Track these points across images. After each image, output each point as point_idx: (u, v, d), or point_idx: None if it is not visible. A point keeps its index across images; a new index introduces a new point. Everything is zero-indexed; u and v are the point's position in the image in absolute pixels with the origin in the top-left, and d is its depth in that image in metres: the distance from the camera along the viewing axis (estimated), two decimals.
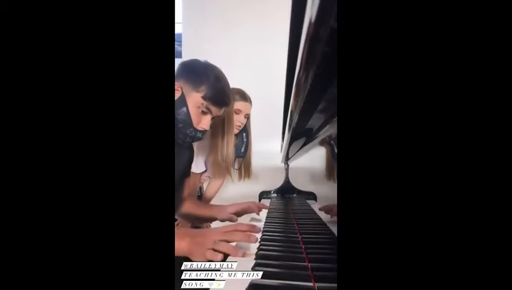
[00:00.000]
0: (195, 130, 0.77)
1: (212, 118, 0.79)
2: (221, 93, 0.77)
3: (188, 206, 0.94)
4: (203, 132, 0.79)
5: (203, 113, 0.76)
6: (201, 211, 0.94)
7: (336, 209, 0.60)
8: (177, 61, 0.79)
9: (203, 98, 0.74)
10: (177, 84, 0.76)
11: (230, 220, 0.85)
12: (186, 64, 0.80)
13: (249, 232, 0.51)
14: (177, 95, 0.75)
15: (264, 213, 0.86)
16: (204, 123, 0.77)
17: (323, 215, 0.77)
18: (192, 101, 0.75)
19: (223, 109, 0.81)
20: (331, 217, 0.72)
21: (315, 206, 0.97)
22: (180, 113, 0.75)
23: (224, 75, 0.80)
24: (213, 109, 0.77)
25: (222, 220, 0.86)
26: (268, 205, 0.94)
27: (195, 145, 1.17)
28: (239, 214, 0.87)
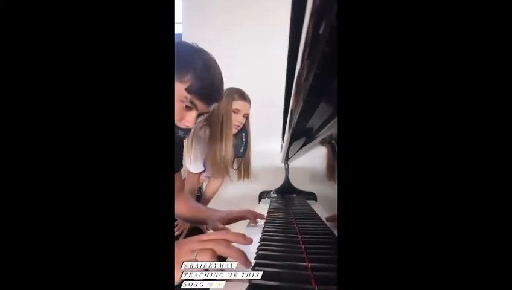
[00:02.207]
0: (177, 127, 0.63)
1: (199, 115, 0.65)
2: (209, 87, 0.62)
3: (177, 205, 0.83)
4: (187, 130, 0.65)
5: (187, 108, 0.62)
6: (192, 212, 0.84)
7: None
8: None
9: (187, 90, 0.60)
10: None
11: (216, 230, 0.72)
12: None
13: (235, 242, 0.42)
14: None
15: (263, 214, 0.86)
16: (188, 120, 0.63)
17: (324, 217, 0.77)
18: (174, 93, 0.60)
19: (213, 106, 0.66)
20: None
21: (315, 206, 0.97)
22: None
23: (216, 64, 0.65)
24: (199, 104, 0.62)
25: (211, 228, 0.76)
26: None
27: (194, 145, 1.18)
28: (231, 221, 0.78)
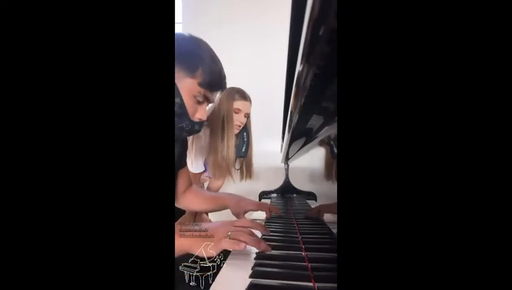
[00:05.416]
0: (192, 122, 0.64)
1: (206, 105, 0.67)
2: (218, 77, 0.63)
3: (189, 198, 0.89)
4: (201, 123, 0.67)
5: (199, 102, 0.63)
6: (210, 202, 0.89)
7: (324, 208, 0.60)
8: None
9: (200, 85, 0.60)
10: None
11: (238, 217, 0.80)
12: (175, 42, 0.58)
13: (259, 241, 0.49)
14: None
15: (263, 213, 0.86)
16: (201, 113, 0.64)
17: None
18: (187, 90, 0.60)
19: (218, 94, 0.68)
20: (321, 215, 0.72)
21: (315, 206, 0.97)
22: None
23: (214, 52, 0.65)
24: (210, 96, 0.64)
25: (234, 214, 0.82)
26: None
27: (194, 145, 1.17)
28: (249, 211, 0.83)
